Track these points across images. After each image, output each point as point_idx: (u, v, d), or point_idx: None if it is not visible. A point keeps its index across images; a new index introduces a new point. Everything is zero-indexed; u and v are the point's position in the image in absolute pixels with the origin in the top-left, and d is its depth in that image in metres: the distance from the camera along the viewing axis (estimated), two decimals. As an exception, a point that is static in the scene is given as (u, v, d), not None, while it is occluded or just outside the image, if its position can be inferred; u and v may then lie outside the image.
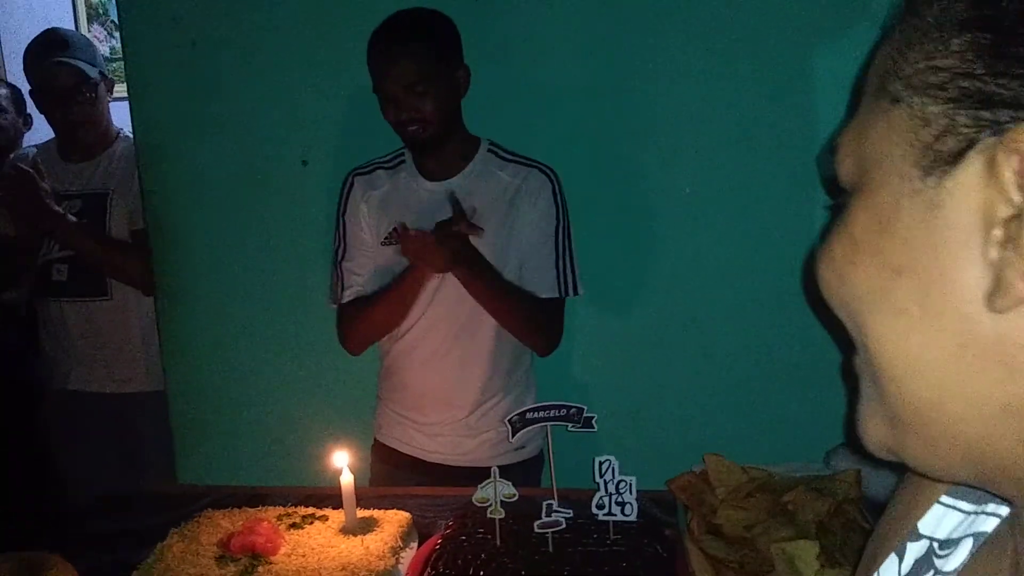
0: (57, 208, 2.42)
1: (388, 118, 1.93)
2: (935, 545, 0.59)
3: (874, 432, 0.54)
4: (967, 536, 0.58)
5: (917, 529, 0.62)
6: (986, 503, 0.58)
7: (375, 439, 2.18)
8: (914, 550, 0.61)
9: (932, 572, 0.58)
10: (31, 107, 3.27)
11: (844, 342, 0.57)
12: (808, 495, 1.45)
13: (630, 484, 1.44)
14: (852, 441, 0.54)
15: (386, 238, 1.99)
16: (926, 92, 0.46)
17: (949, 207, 0.45)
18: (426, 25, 1.91)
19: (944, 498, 0.61)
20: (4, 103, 3.25)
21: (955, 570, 0.57)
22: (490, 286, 1.92)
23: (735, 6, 2.12)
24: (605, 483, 1.44)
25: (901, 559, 0.62)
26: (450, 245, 1.80)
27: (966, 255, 0.45)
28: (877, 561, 0.64)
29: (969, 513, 0.59)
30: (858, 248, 0.50)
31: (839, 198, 0.54)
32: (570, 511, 1.45)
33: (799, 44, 2.12)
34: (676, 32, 2.15)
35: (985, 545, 0.57)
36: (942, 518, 0.60)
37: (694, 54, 2.16)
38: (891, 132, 0.48)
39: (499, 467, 1.51)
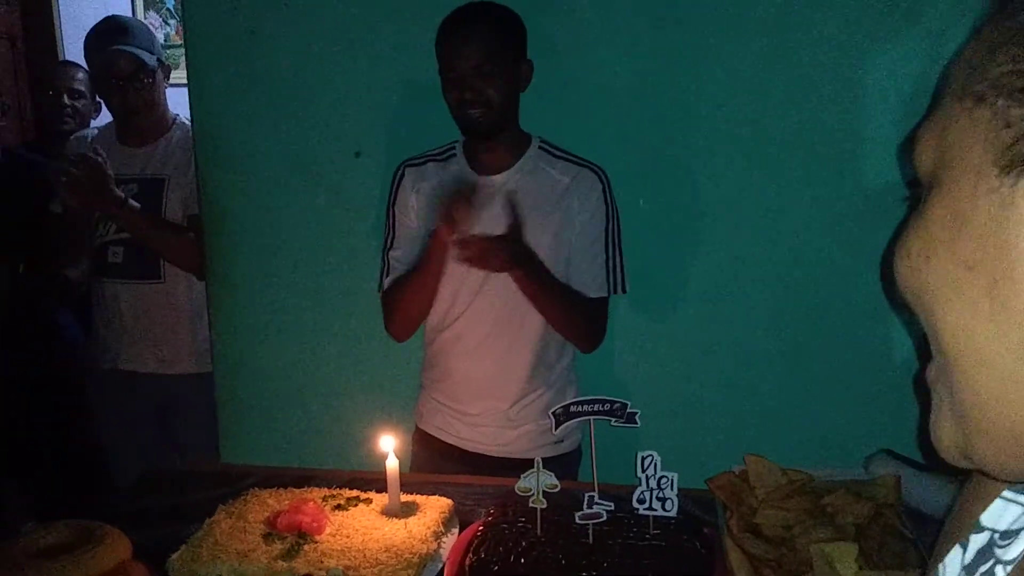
0: (119, 192, 2.48)
1: (450, 100, 1.96)
2: (996, 536, 0.61)
3: (946, 437, 0.56)
4: None
5: (980, 522, 0.63)
6: None
7: (416, 426, 2.22)
8: (977, 541, 0.63)
9: (993, 560, 0.60)
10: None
11: (920, 354, 0.59)
12: (848, 498, 1.46)
13: (672, 480, 1.46)
14: (927, 452, 0.57)
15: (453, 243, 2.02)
16: (1010, 95, 0.48)
17: (1022, 207, 0.47)
18: (496, 13, 1.97)
19: (1006, 493, 0.62)
20: (84, 88, 3.32)
21: (1015, 558, 0.58)
22: (544, 286, 1.96)
23: (787, 11, 2.12)
24: (647, 478, 1.46)
25: (965, 550, 0.64)
26: (508, 248, 1.84)
27: None
28: (943, 551, 0.66)
29: None
30: (933, 242, 0.52)
31: (915, 191, 0.56)
32: (611, 504, 1.47)
33: (850, 50, 2.12)
34: (728, 36, 2.16)
35: None
36: (1003, 511, 0.62)
37: (745, 58, 2.16)
38: (973, 130, 0.50)
39: (538, 460, 1.53)
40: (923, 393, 0.59)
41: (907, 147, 0.57)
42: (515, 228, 1.87)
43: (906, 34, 2.08)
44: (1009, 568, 0.58)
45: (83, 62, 2.91)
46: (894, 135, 2.09)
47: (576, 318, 2.04)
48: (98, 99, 3.41)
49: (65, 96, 3.21)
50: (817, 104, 2.16)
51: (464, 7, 1.96)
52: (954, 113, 0.52)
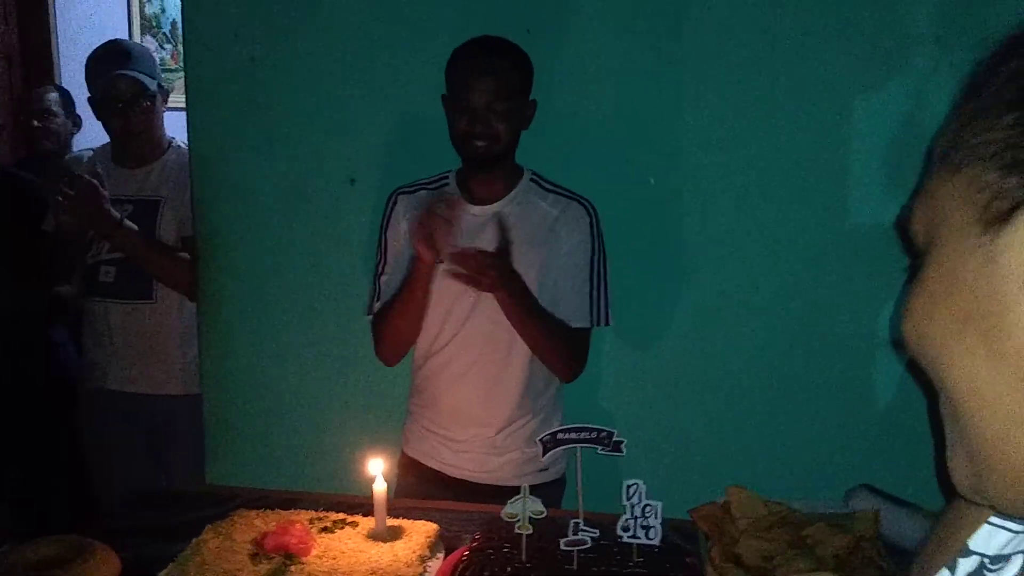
0: (115, 213, 2.50)
1: (458, 129, 1.99)
2: (986, 560, 0.65)
3: (960, 473, 0.60)
4: (1018, 552, 0.63)
5: (967, 546, 0.67)
6: None
7: (402, 451, 2.23)
8: (966, 565, 0.66)
9: None
10: (80, 108, 3.40)
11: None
12: (828, 530, 1.49)
13: (656, 509, 1.49)
14: (945, 487, 0.60)
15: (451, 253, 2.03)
16: (982, 160, 0.53)
17: (1004, 259, 0.52)
18: (513, 51, 2.01)
19: (993, 519, 0.66)
20: (54, 107, 3.38)
21: None
22: (528, 311, 1.98)
23: (776, 52, 2.18)
24: (632, 506, 1.49)
25: (953, 572, 0.67)
26: (498, 267, 1.87)
27: (1022, 299, 0.52)
28: (929, 574, 0.69)
29: (1018, 532, 0.65)
30: (932, 299, 0.58)
31: (914, 261, 0.61)
32: (596, 531, 1.49)
33: (837, 92, 2.17)
34: (717, 75, 2.22)
35: None
36: (992, 536, 0.66)
37: (734, 97, 2.22)
38: (955, 195, 0.56)
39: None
40: (938, 427, 0.63)
41: (903, 221, 0.64)
42: (503, 249, 1.90)
43: (891, 77, 2.14)
44: None
45: (79, 83, 2.94)
46: (880, 175, 2.14)
47: (558, 346, 2.06)
48: (78, 115, 3.46)
49: (35, 120, 3.26)
50: (804, 144, 2.21)
51: (481, 40, 2.00)
52: (940, 182, 0.58)
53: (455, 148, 2.04)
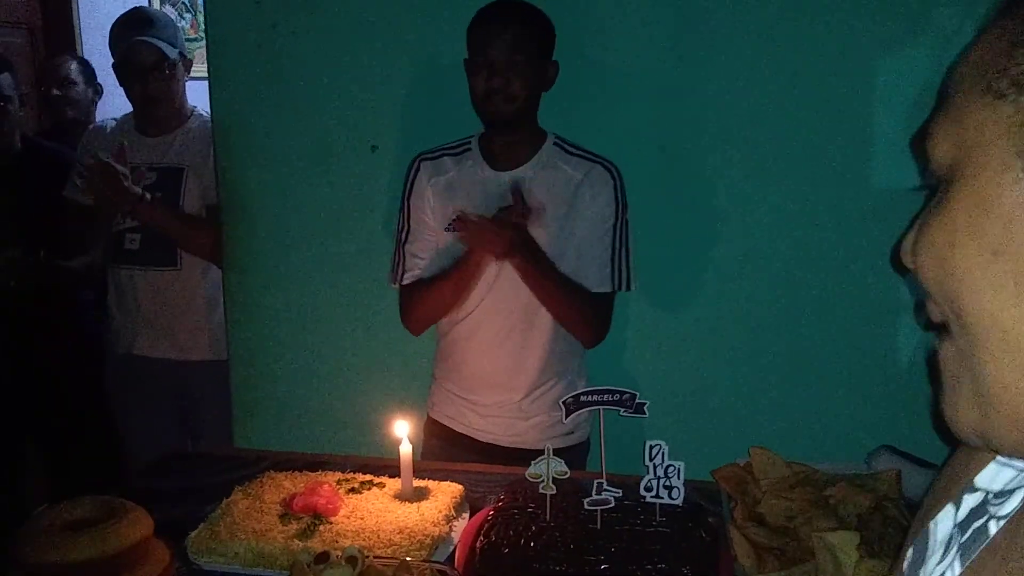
0: (136, 189, 2.51)
1: (476, 87, 1.99)
2: (990, 495, 0.64)
3: (964, 417, 0.59)
4: (1020, 488, 0.63)
5: (973, 483, 0.67)
6: None
7: (428, 415, 2.25)
8: (970, 500, 0.66)
9: (986, 516, 0.63)
10: (103, 78, 3.42)
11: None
12: (850, 490, 1.50)
13: (678, 469, 1.50)
14: (940, 429, 0.59)
15: (448, 225, 2.06)
16: None
17: None
18: (532, 12, 2.01)
19: (1000, 458, 0.66)
20: (75, 76, 3.39)
21: (1008, 514, 0.62)
22: (544, 276, 1.98)
23: (800, 13, 2.16)
24: (654, 467, 1.50)
25: (958, 508, 0.67)
26: (509, 233, 1.87)
27: None
28: (934, 510, 0.69)
29: (1023, 470, 0.64)
30: (958, 230, 0.56)
31: (929, 183, 0.60)
32: (619, 491, 1.51)
33: (860, 53, 2.15)
34: (741, 38, 2.20)
35: None
36: (997, 474, 0.65)
37: (758, 60, 2.20)
38: (996, 124, 0.54)
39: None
40: (936, 374, 0.62)
41: (920, 141, 0.60)
42: (519, 216, 1.89)
43: (914, 38, 2.11)
44: (1002, 522, 0.61)
45: (101, 52, 2.96)
46: (902, 137, 2.12)
47: (579, 311, 2.06)
48: (99, 84, 3.48)
49: (55, 88, 3.27)
50: (828, 106, 2.19)
51: (503, 2, 2.01)
52: (972, 108, 0.55)
53: (475, 110, 2.04)
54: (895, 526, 1.46)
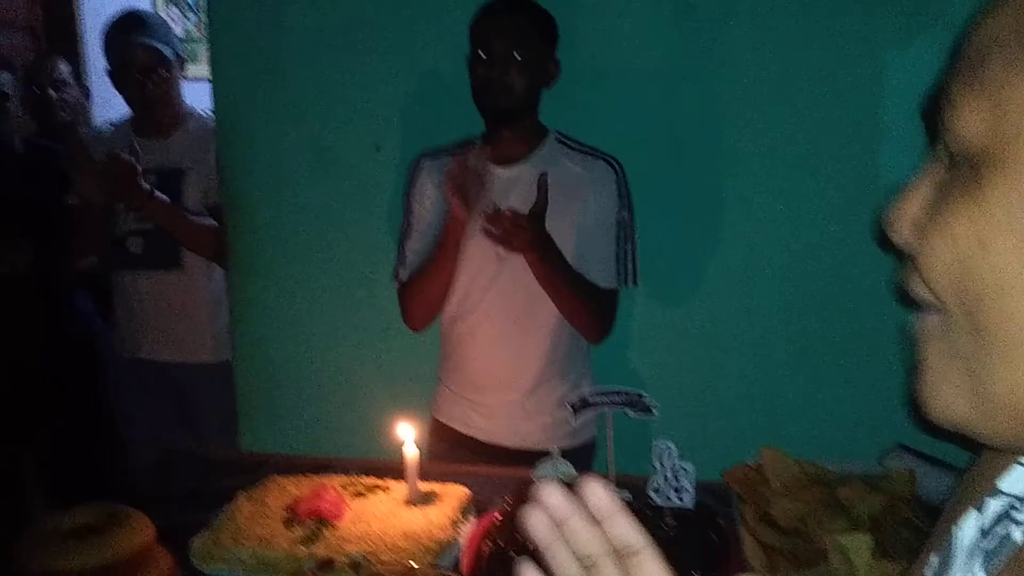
0: (146, 186, 2.50)
1: (476, 79, 1.99)
2: (1014, 502, 0.62)
3: (945, 404, 0.54)
4: None
5: (997, 487, 0.64)
6: None
7: (433, 417, 2.24)
8: (994, 506, 0.63)
9: (1010, 523, 0.60)
10: (94, 82, 3.40)
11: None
12: (862, 490, 1.48)
13: (688, 471, 1.48)
14: (914, 410, 0.54)
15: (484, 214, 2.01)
16: None
17: None
18: (535, 9, 2.02)
19: (1023, 459, 0.63)
20: (67, 78, 3.37)
21: None
22: (557, 272, 1.97)
23: (809, 6, 2.14)
24: (662, 468, 1.48)
25: (981, 513, 0.64)
26: (532, 228, 1.86)
27: None
28: (957, 515, 0.66)
29: None
30: (993, 228, 0.49)
31: (936, 146, 0.53)
32: (628, 493, 1.49)
33: (870, 46, 2.13)
34: (748, 31, 2.18)
35: None
36: (1021, 478, 0.62)
37: (765, 53, 2.18)
38: None
39: (552, 450, 1.55)
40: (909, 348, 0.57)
41: (937, 107, 0.53)
42: (540, 211, 1.88)
43: (925, 31, 2.09)
44: None
45: (96, 54, 2.94)
46: (911, 132, 2.10)
47: (586, 307, 2.05)
48: (86, 85, 3.46)
49: (50, 90, 3.25)
50: (835, 100, 2.17)
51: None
52: (1014, 86, 0.48)
53: (476, 105, 2.02)
54: (909, 527, 1.44)
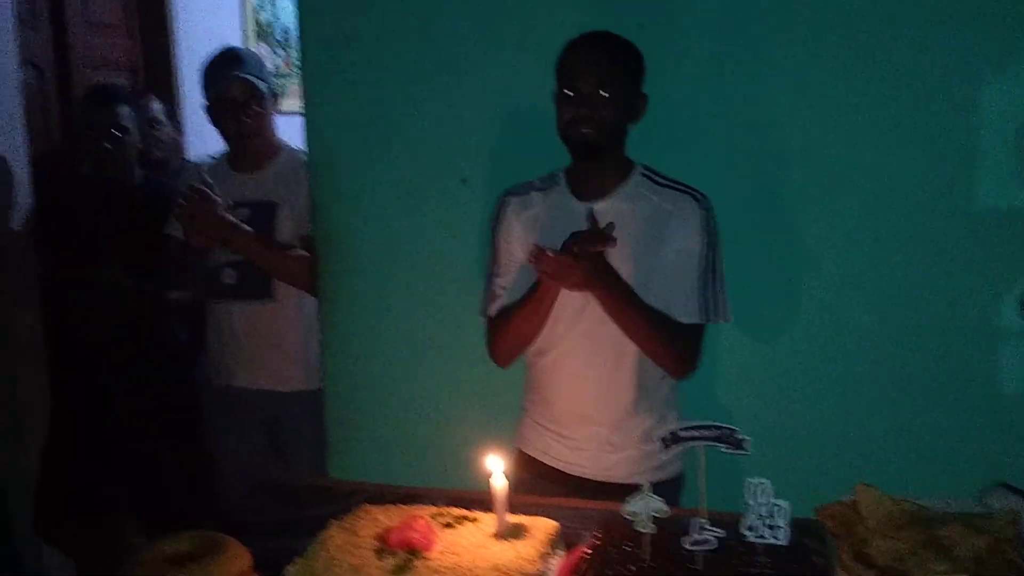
0: (231, 218, 2.57)
1: (564, 116, 1.99)
2: None
3: None
4: None
5: None
6: None
7: (517, 448, 2.23)
8: None
9: None
10: (198, 118, 3.50)
11: None
12: (965, 531, 1.43)
13: (783, 509, 1.45)
14: None
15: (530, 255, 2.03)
16: None
17: None
18: (622, 45, 2.02)
19: None
20: (160, 116, 3.48)
21: None
22: (627, 306, 1.96)
23: (900, 31, 2.11)
24: (757, 505, 1.45)
25: None
26: (585, 264, 1.84)
27: None
28: None
29: None
30: None
31: None
32: (721, 531, 1.47)
33: (965, 72, 2.09)
34: (838, 57, 2.16)
35: None
36: None
37: (856, 80, 2.16)
38: None
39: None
40: None
41: None
42: (592, 241, 1.85)
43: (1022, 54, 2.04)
44: None
45: (192, 91, 3.04)
46: (1008, 161, 2.06)
47: (665, 343, 2.02)
48: (179, 121, 3.57)
49: (145, 127, 3.33)
50: (928, 129, 2.14)
51: (592, 33, 2.01)
52: None
53: (562, 139, 2.02)
54: (1014, 571, 1.39)
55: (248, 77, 2.72)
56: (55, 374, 3.19)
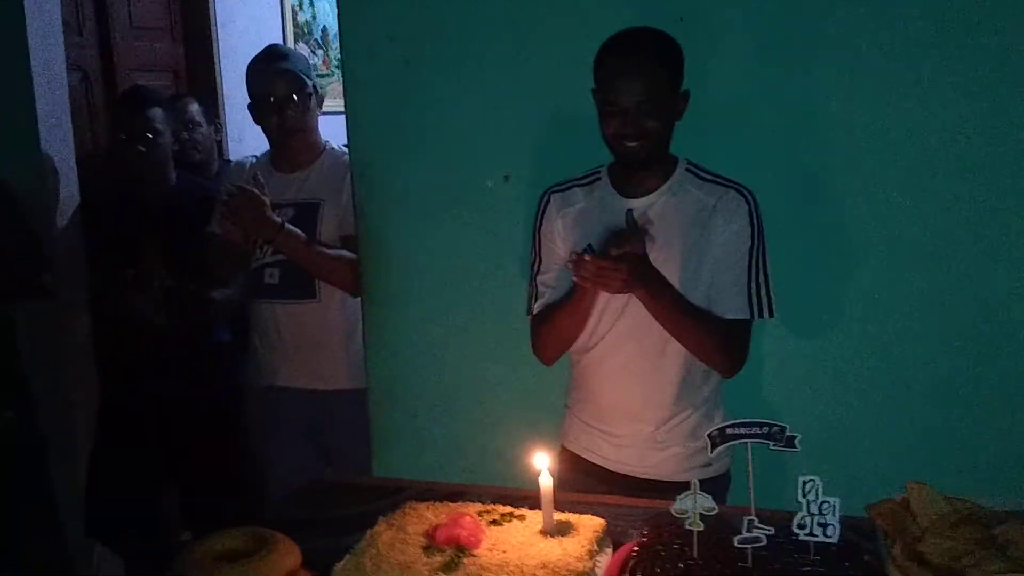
0: (277, 218, 2.59)
1: (608, 131, 1.96)
2: None
3: None
4: None
5: None
6: None
7: (562, 445, 2.23)
8: None
9: None
10: (242, 119, 3.53)
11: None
12: (1021, 529, 1.41)
13: (833, 506, 1.44)
14: None
15: (568, 262, 2.03)
16: None
17: None
18: (660, 45, 1.96)
19: None
20: (197, 117, 3.50)
21: None
22: (671, 307, 1.94)
23: (946, 33, 2.08)
24: (808, 503, 1.44)
25: None
26: (624, 268, 1.83)
27: None
28: None
29: None
30: None
31: None
32: (771, 528, 1.46)
33: (1017, 72, 2.05)
34: (881, 53, 2.13)
35: None
36: None
37: (900, 77, 2.13)
38: None
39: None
40: None
41: None
42: (631, 243, 1.86)
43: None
44: None
45: (236, 93, 3.05)
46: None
47: (710, 340, 2.00)
48: (218, 120, 3.58)
49: (183, 131, 3.36)
50: (978, 125, 2.10)
51: (629, 34, 1.97)
52: None
53: (607, 147, 2.00)
54: (1073, 569, 1.36)
55: (294, 70, 2.74)
56: (103, 376, 3.24)
